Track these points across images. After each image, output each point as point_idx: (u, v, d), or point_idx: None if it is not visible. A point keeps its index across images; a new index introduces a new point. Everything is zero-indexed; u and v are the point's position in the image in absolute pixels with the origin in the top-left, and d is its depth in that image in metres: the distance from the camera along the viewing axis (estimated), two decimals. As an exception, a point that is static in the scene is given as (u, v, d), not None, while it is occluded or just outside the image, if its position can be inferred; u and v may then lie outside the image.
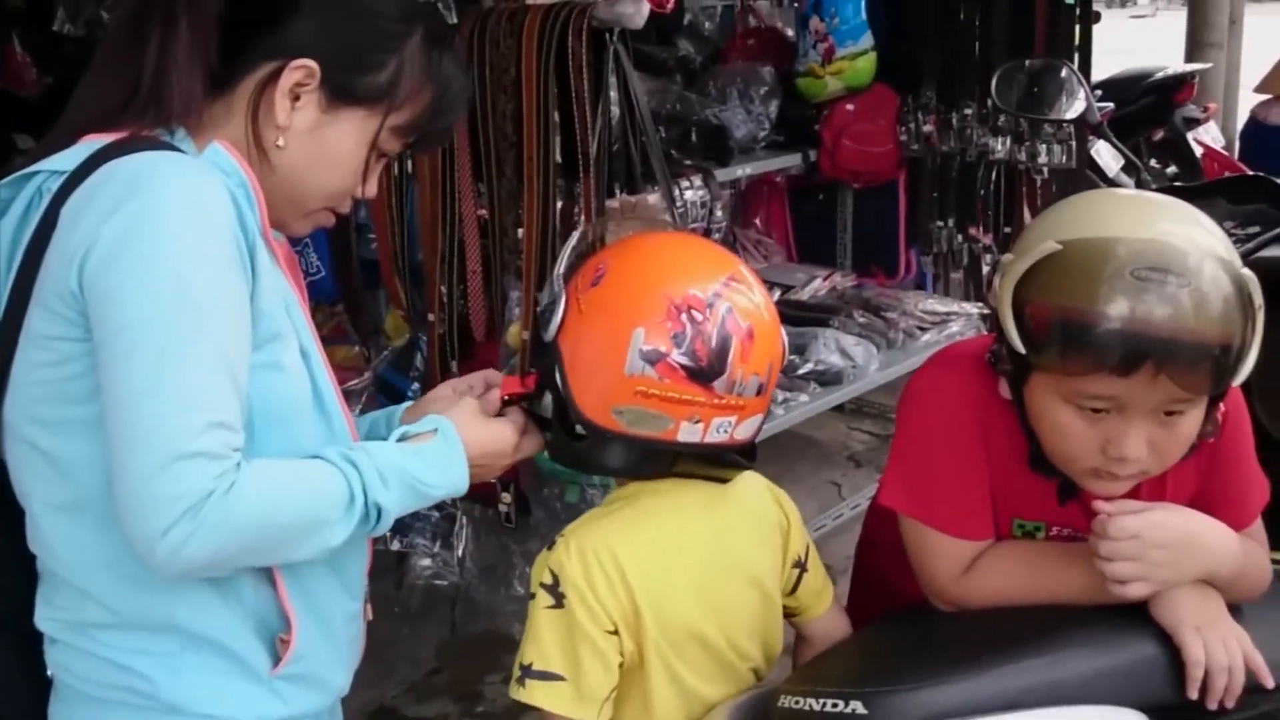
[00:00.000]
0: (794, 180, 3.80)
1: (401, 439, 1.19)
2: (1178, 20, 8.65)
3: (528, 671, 1.24)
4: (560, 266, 1.28)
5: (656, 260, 1.29)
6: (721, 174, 3.05)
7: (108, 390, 1.02)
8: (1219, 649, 1.23)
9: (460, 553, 2.77)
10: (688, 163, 2.98)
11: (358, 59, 1.16)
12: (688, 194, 2.83)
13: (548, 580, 1.25)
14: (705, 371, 1.20)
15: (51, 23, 4.10)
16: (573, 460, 1.32)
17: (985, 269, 3.64)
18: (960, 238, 3.57)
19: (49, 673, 1.16)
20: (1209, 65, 6.28)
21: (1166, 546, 1.25)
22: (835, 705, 1.18)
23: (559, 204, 2.39)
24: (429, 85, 1.20)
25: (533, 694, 1.24)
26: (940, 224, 3.57)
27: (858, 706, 1.17)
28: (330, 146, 1.17)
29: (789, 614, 1.44)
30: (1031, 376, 1.25)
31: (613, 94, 2.34)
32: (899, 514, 1.39)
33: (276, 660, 1.15)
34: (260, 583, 1.14)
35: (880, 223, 3.76)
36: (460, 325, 2.65)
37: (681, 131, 3.11)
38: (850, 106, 3.43)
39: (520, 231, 2.46)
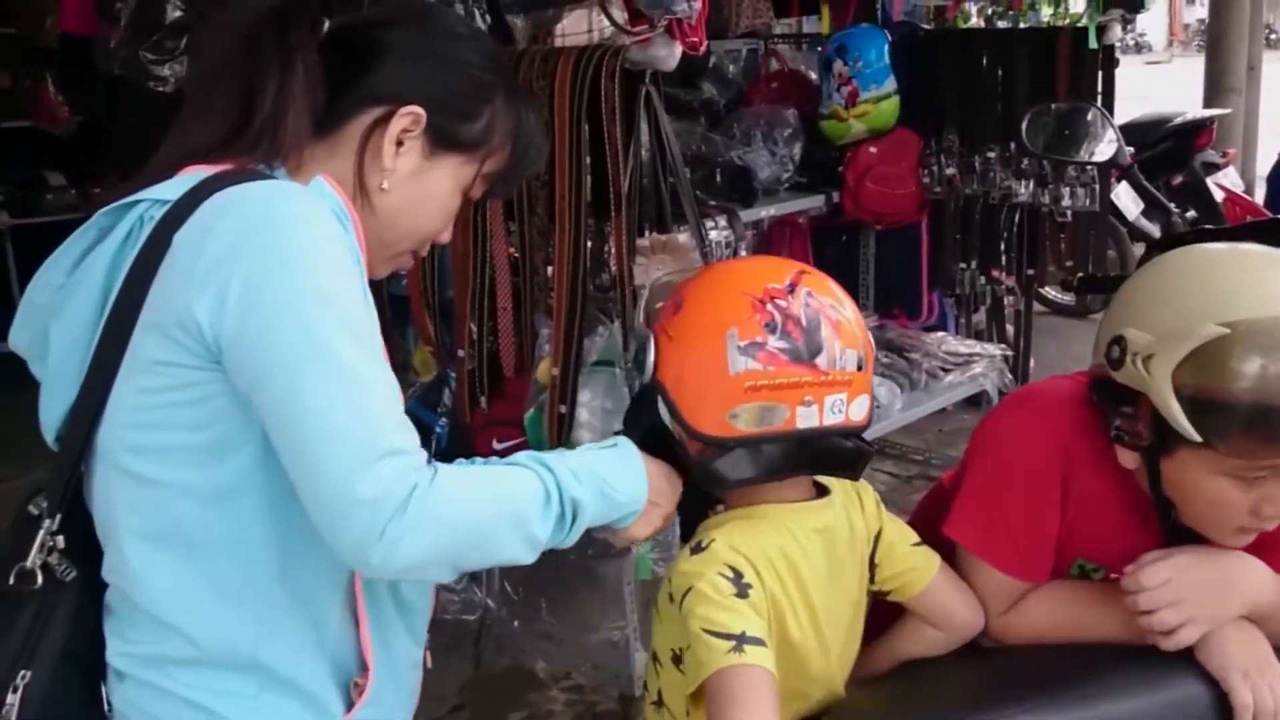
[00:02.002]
0: (817, 221, 3.83)
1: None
2: (1193, 66, 8.70)
3: (743, 638, 1.19)
4: (639, 316, 1.31)
5: (728, 272, 1.34)
6: (745, 214, 3.08)
7: (286, 418, 1.01)
8: (1267, 695, 1.22)
9: (487, 588, 2.77)
10: (712, 203, 3.01)
11: (458, 107, 1.20)
12: (712, 234, 2.85)
13: (729, 574, 1.24)
14: (804, 349, 1.23)
15: (85, 63, 4.18)
16: (703, 481, 1.31)
17: (1007, 309, 3.65)
18: (983, 279, 3.59)
19: (109, 710, 1.15)
20: (1228, 110, 6.33)
21: (1203, 584, 1.25)
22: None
23: (589, 243, 2.42)
24: (516, 135, 1.24)
25: (754, 656, 1.19)
26: (963, 266, 3.59)
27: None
28: (429, 191, 1.21)
29: (886, 596, 1.42)
30: (1179, 452, 1.23)
31: (643, 135, 2.38)
32: (959, 546, 1.41)
33: (348, 704, 1.15)
34: (346, 624, 1.14)
35: (902, 264, 3.78)
36: (489, 362, 2.67)
37: (706, 172, 3.15)
38: (873, 149, 3.46)
39: (550, 269, 2.49)
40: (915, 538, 1.42)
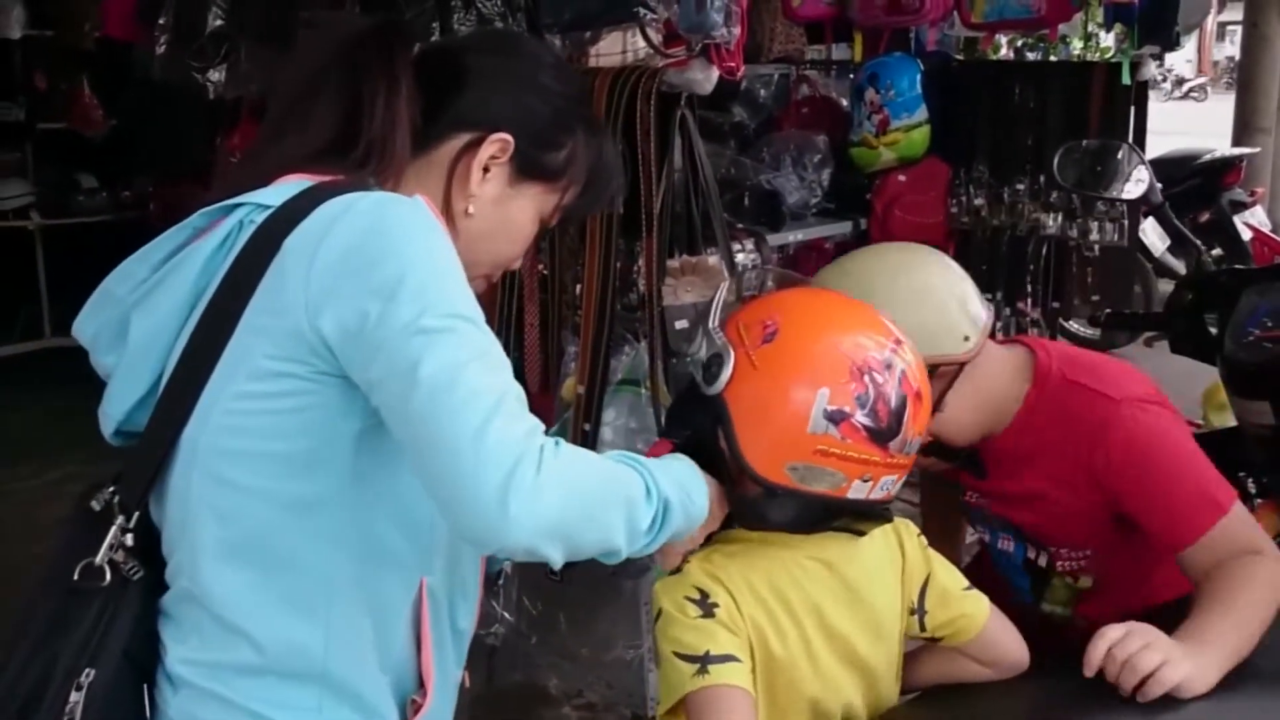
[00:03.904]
0: (843, 248, 3.82)
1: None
2: (1224, 104, 8.68)
3: (707, 658, 1.22)
4: (714, 320, 1.29)
5: (831, 320, 1.30)
6: (773, 239, 3.09)
7: (413, 406, 0.99)
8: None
9: (505, 602, 2.77)
10: (740, 226, 3.02)
11: (544, 136, 1.22)
12: (739, 257, 2.86)
13: (694, 595, 1.27)
14: (885, 432, 1.23)
15: (120, 67, 4.23)
16: (739, 513, 1.32)
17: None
18: (1009, 310, 3.58)
19: (155, 718, 1.12)
20: (1257, 150, 6.30)
21: (1157, 637, 1.32)
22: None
23: (619, 262, 2.43)
24: (596, 167, 1.26)
25: (719, 675, 1.22)
26: (989, 296, 3.58)
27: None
28: (512, 218, 1.23)
29: (937, 641, 1.42)
30: None
31: (676, 157, 2.39)
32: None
33: None
34: (409, 643, 1.14)
35: (928, 294, 3.77)
36: (515, 378, 2.67)
37: (734, 196, 3.15)
38: (902, 177, 3.46)
39: (579, 287, 2.50)
40: (965, 582, 1.42)
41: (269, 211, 1.10)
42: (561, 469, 1.01)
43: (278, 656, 1.08)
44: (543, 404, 2.68)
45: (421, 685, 1.15)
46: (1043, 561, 1.68)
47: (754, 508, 1.28)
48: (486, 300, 2.64)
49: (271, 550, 1.08)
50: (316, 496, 1.07)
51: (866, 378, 1.23)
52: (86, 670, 1.06)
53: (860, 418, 1.22)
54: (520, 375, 2.68)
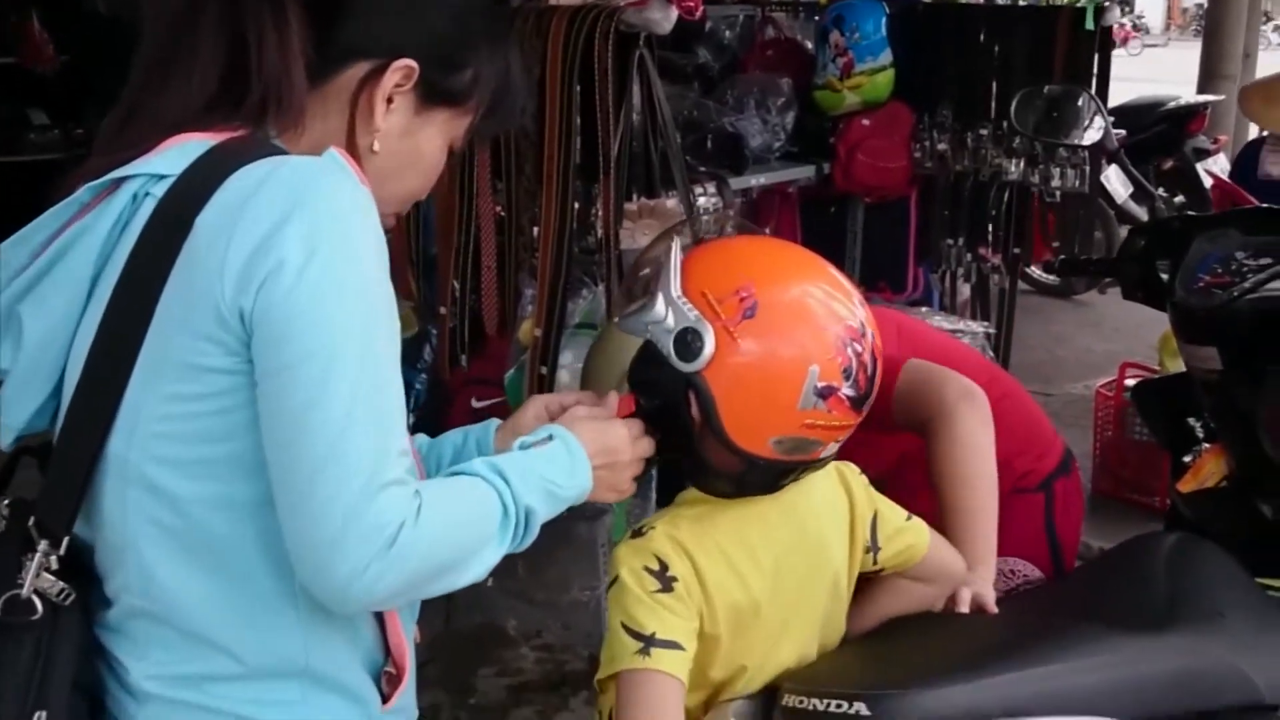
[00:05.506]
0: (806, 192, 3.81)
1: (522, 449, 1.14)
2: (1191, 52, 8.69)
3: (652, 641, 1.22)
4: (675, 286, 1.22)
5: (804, 287, 1.26)
6: (735, 183, 3.07)
7: (290, 422, 0.93)
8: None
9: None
10: (702, 170, 3.00)
11: (448, 58, 1.10)
12: (701, 200, 2.85)
13: (654, 566, 1.25)
14: (863, 398, 1.24)
15: (70, 2, 4.12)
16: (705, 485, 1.31)
17: (992, 287, 3.66)
18: (970, 256, 3.60)
19: None
20: (1221, 97, 6.31)
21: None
22: (839, 706, 1.20)
23: (576, 205, 2.41)
24: (503, 82, 1.15)
25: (659, 661, 1.22)
26: (950, 242, 3.59)
27: (861, 708, 1.19)
28: (420, 149, 1.12)
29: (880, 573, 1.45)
30: None
31: (635, 98, 2.36)
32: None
33: (382, 695, 1.11)
34: (375, 617, 1.10)
35: (890, 238, 3.77)
36: (471, 320, 2.66)
37: (697, 139, 3.13)
38: (866, 121, 3.44)
39: (536, 230, 2.48)
40: (905, 513, 1.45)
41: (167, 183, 0.99)
42: (415, 543, 0.95)
43: (258, 662, 1.03)
44: (499, 346, 2.67)
45: (388, 654, 1.11)
46: None
47: (725, 477, 1.28)
48: (444, 241, 2.63)
49: (230, 557, 1.01)
50: (266, 496, 0.98)
51: (849, 349, 1.22)
52: (37, 714, 0.98)
53: (846, 390, 1.22)
54: (477, 317, 2.69)
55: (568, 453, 1.14)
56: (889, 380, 1.61)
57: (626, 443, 1.21)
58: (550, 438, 1.15)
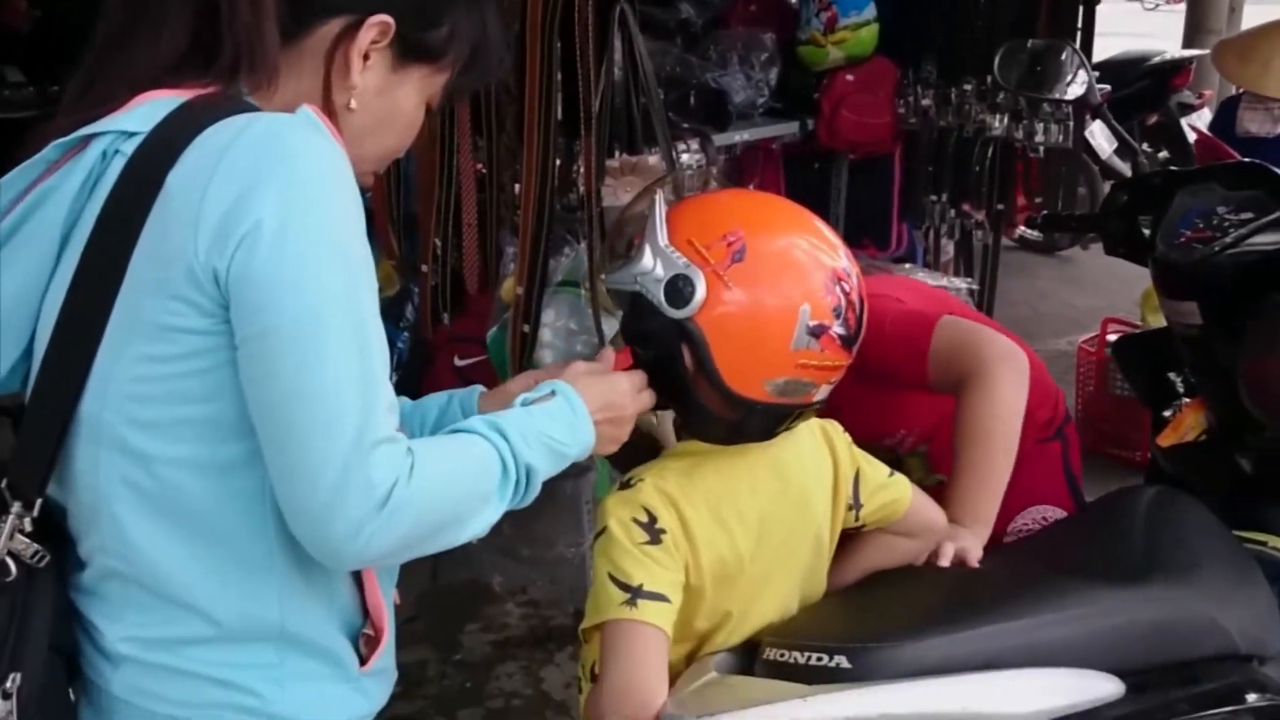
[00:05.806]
0: (790, 148, 3.79)
1: (525, 405, 1.14)
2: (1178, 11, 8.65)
3: (639, 592, 1.23)
4: (661, 235, 1.22)
5: (790, 231, 1.27)
6: (718, 139, 3.06)
7: (278, 386, 0.93)
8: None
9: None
10: (685, 126, 2.98)
11: (425, 13, 1.09)
12: (684, 157, 2.83)
13: (643, 518, 1.26)
14: (853, 337, 1.25)
15: (45, -44, 4.04)
16: (702, 432, 1.31)
17: (976, 243, 3.66)
18: (953, 213, 3.59)
19: (89, 696, 1.06)
20: (1206, 52, 6.28)
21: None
22: (820, 659, 1.21)
23: (558, 162, 2.39)
24: (480, 38, 1.14)
25: (645, 612, 1.22)
26: (934, 198, 3.58)
27: (842, 660, 1.20)
28: (397, 106, 1.11)
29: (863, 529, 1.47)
30: None
31: (616, 54, 2.34)
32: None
33: (360, 657, 1.11)
34: (350, 579, 1.09)
35: (874, 194, 3.76)
36: (453, 278, 2.65)
37: (680, 95, 3.11)
38: (850, 77, 3.42)
39: (518, 187, 2.46)
40: (886, 469, 1.46)
41: (136, 140, 0.98)
42: (410, 500, 0.95)
43: (234, 625, 1.03)
44: (481, 304, 2.66)
45: (366, 616, 1.11)
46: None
47: (721, 424, 1.28)
48: (425, 199, 2.61)
49: (205, 519, 1.00)
50: (242, 457, 0.98)
51: (837, 288, 1.23)
52: (11, 676, 0.98)
53: (837, 328, 1.23)
54: (458, 274, 2.68)
55: (570, 408, 1.14)
56: (923, 338, 1.64)
57: (629, 396, 1.21)
58: (553, 393, 1.15)
